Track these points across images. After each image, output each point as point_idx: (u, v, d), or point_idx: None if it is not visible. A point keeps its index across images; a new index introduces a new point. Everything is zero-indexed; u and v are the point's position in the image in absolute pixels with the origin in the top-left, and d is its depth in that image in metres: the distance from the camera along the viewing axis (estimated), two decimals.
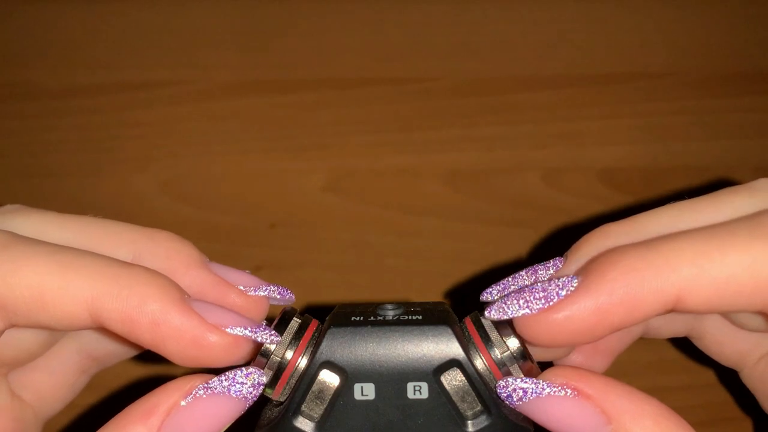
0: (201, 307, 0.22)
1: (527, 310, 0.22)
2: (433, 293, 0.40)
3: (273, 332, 0.23)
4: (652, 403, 0.21)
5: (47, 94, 0.40)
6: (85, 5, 0.40)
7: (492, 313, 0.23)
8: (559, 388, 0.21)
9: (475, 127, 0.40)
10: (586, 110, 0.40)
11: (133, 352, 0.27)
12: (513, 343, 0.24)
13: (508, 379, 0.22)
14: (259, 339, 0.23)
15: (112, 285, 0.21)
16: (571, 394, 0.21)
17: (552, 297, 0.21)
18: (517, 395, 0.22)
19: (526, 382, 0.22)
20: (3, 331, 0.22)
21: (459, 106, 0.40)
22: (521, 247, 0.40)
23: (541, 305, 0.21)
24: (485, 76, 0.40)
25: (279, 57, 0.40)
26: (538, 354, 0.25)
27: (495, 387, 0.23)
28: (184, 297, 0.22)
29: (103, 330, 0.22)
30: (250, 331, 0.22)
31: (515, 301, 0.22)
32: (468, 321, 0.25)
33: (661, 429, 0.20)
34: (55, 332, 0.24)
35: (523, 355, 0.24)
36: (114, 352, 0.27)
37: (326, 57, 0.40)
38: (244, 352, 0.22)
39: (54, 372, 0.26)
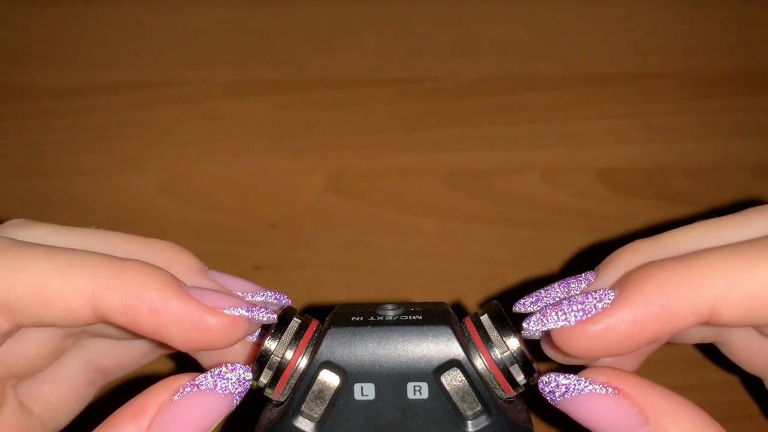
0: (198, 293, 0.22)
1: (566, 322, 0.22)
2: (433, 293, 0.40)
3: (269, 311, 0.24)
4: (690, 405, 0.21)
5: (47, 94, 0.40)
6: (84, 6, 0.40)
7: (531, 325, 0.23)
8: (600, 386, 0.22)
9: (475, 127, 0.40)
10: (586, 110, 0.40)
11: (139, 363, 0.28)
12: (513, 343, 0.24)
13: (551, 374, 0.23)
14: (256, 318, 0.23)
15: (110, 278, 0.21)
16: (611, 392, 0.22)
17: (590, 309, 0.22)
18: (560, 391, 0.22)
19: (568, 379, 0.22)
20: (10, 332, 0.22)
21: (459, 106, 0.40)
22: (521, 247, 0.40)
23: (579, 317, 0.22)
24: (485, 76, 0.40)
25: (279, 57, 0.40)
26: (569, 362, 0.25)
27: (537, 382, 0.24)
28: (180, 284, 0.22)
29: (107, 325, 0.22)
30: (246, 311, 0.23)
31: (554, 313, 0.22)
32: (468, 321, 0.25)
33: (699, 431, 0.21)
34: (62, 343, 0.25)
35: (523, 355, 0.24)
36: (120, 363, 0.27)
37: (326, 57, 0.40)
38: (243, 332, 0.23)
39: (61, 384, 0.26)
